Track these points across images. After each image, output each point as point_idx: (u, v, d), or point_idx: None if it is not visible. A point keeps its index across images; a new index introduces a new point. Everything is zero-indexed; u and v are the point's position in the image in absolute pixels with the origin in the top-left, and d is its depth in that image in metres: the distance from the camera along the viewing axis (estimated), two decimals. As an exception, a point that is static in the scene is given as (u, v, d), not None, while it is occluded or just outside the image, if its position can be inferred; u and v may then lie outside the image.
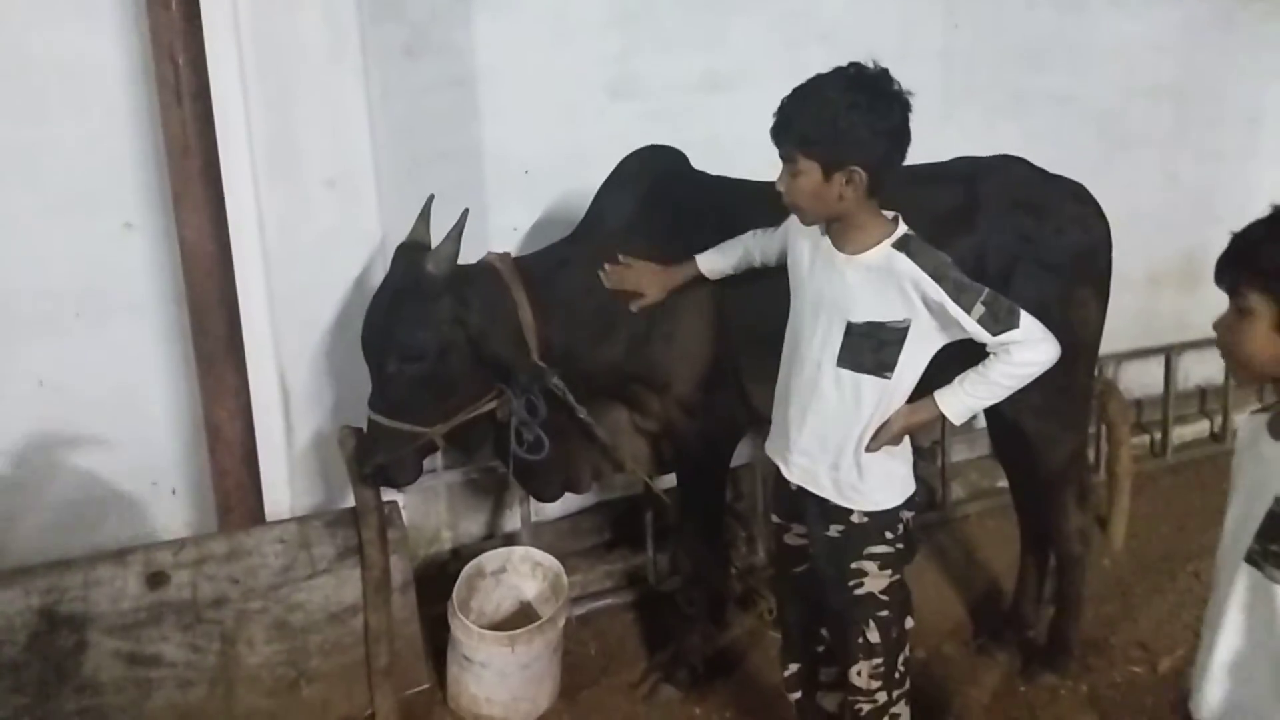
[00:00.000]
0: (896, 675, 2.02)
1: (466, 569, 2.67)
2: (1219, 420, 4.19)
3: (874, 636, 1.96)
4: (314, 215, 2.46)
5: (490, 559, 2.73)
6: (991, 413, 2.68)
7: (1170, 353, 4.04)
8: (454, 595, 2.58)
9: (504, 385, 2.25)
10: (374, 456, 2.25)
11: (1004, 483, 3.05)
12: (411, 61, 2.76)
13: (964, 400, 1.86)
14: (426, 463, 2.42)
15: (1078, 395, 2.52)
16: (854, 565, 1.94)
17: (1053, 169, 2.55)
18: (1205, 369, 4.33)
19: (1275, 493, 1.30)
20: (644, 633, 2.98)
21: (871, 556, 1.93)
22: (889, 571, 1.95)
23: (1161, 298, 4.23)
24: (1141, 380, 4.12)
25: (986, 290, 1.78)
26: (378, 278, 2.40)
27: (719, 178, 2.53)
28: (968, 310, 1.76)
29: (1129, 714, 2.65)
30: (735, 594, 3.06)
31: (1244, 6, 4.15)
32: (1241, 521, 1.37)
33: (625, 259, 2.28)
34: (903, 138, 1.78)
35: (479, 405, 2.26)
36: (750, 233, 2.20)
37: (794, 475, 2.01)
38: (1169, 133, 4.11)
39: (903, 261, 1.78)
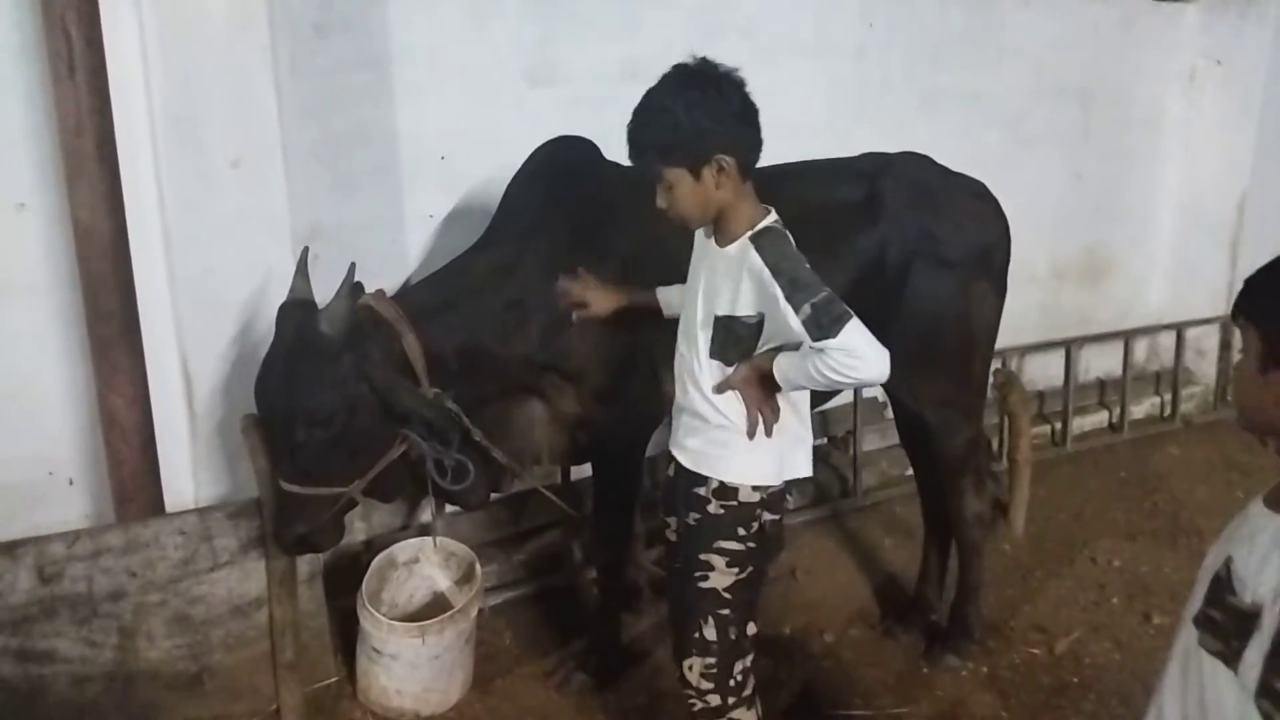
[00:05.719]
0: (733, 682, 1.97)
1: (378, 560, 2.63)
2: (1117, 411, 4.37)
3: (710, 634, 1.93)
4: (218, 196, 2.38)
5: (402, 549, 2.70)
6: (896, 403, 2.76)
7: (1071, 346, 4.20)
8: (363, 587, 2.54)
9: (407, 429, 2.19)
10: (294, 528, 2.17)
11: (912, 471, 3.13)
12: (322, 40, 2.69)
13: (784, 369, 1.78)
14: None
15: (974, 386, 2.61)
16: (702, 557, 1.93)
17: (961, 166, 2.62)
18: (1105, 362, 4.52)
19: (1229, 554, 1.24)
20: (559, 622, 2.98)
21: (720, 551, 1.91)
22: (736, 570, 1.92)
23: (1064, 292, 4.39)
24: (1044, 372, 4.27)
25: (823, 294, 1.70)
26: (286, 263, 2.33)
27: (632, 168, 2.52)
28: (795, 309, 1.70)
29: (1026, 694, 2.75)
30: (650, 582, 3.08)
31: (1147, 12, 4.31)
32: (1203, 578, 1.30)
33: (581, 272, 2.21)
34: (749, 114, 1.77)
35: (391, 453, 2.21)
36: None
37: (672, 446, 2.01)
38: (1074, 132, 4.26)
39: (752, 254, 1.77)
